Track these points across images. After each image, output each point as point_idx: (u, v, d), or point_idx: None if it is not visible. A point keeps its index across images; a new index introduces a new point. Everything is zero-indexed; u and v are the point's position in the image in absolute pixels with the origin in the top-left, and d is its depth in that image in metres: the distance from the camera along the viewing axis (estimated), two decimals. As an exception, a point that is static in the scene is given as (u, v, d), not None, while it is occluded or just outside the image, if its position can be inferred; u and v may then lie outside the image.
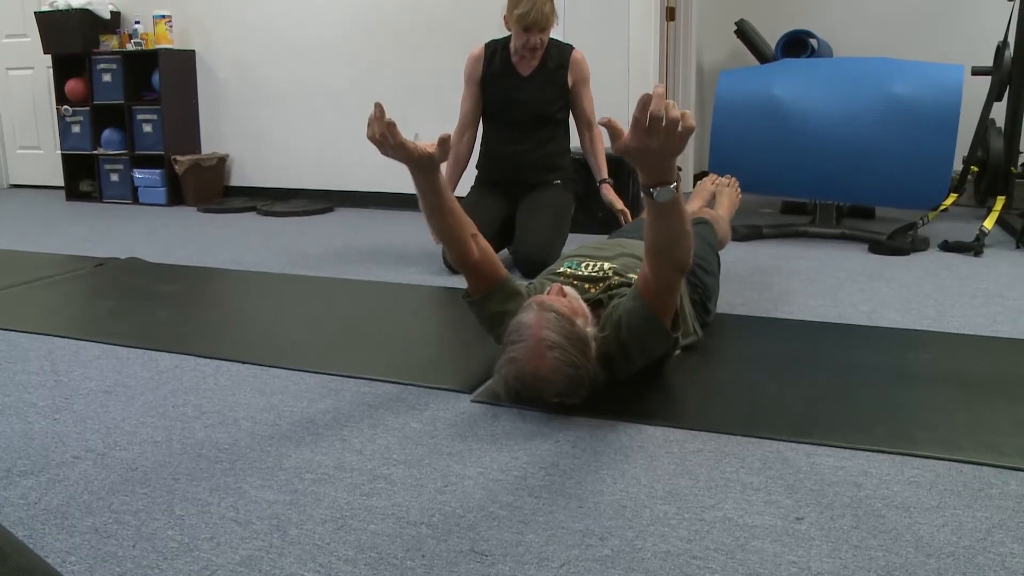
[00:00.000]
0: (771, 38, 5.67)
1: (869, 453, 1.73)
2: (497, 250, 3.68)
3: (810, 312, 2.84)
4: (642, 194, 1.73)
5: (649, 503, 1.53)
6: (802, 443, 1.79)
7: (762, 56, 5.46)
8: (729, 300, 2.96)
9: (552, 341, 1.86)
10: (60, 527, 1.48)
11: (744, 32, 5.48)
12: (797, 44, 5.50)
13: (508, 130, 3.71)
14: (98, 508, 1.54)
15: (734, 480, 1.62)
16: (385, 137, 1.92)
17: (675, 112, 1.56)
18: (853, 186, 3.99)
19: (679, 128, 1.58)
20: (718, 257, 2.79)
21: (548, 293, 2.02)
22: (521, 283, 2.24)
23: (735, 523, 1.46)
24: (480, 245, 2.13)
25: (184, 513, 1.52)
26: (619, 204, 3.67)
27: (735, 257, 3.70)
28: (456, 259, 2.12)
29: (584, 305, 2.04)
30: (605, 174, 3.78)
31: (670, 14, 5.87)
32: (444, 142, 1.93)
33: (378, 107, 1.92)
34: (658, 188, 1.69)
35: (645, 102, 1.56)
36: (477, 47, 3.77)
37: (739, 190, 3.48)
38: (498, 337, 2.05)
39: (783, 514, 1.49)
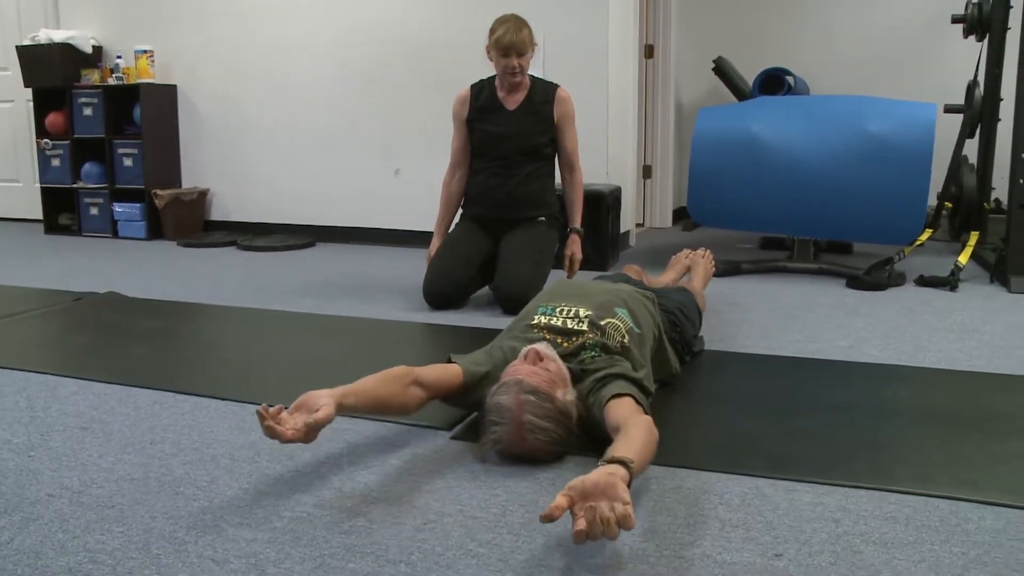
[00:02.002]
0: (748, 75, 5.75)
1: (847, 489, 1.74)
2: (479, 287, 3.70)
3: (789, 348, 2.86)
4: None
5: (628, 540, 1.53)
6: (781, 479, 1.79)
7: (740, 93, 5.53)
8: (708, 336, 2.97)
9: (533, 425, 1.84)
10: (33, 567, 1.46)
11: (722, 69, 5.56)
12: (774, 81, 5.58)
13: (495, 165, 3.71)
14: (73, 547, 1.53)
15: (712, 517, 1.63)
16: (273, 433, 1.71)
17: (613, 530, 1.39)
18: (830, 222, 4.03)
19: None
20: (700, 317, 2.82)
21: (525, 357, 1.98)
22: (482, 354, 2.17)
23: (714, 560, 1.46)
24: (420, 384, 1.99)
25: (161, 552, 1.50)
26: (575, 256, 3.75)
27: (714, 292, 3.72)
28: (411, 414, 2.01)
29: (563, 368, 2.01)
30: (578, 223, 3.80)
31: (648, 51, 5.94)
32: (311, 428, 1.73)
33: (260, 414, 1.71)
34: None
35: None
36: (464, 89, 3.80)
37: (713, 261, 3.46)
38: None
39: (762, 551, 1.49)
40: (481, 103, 3.72)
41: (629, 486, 1.47)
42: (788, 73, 5.57)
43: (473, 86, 3.79)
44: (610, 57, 4.78)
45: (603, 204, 4.34)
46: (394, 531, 1.57)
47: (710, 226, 4.49)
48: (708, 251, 3.50)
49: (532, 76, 3.73)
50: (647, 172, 6.09)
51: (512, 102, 3.68)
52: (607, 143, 4.84)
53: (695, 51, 6.31)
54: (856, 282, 3.86)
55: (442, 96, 5.19)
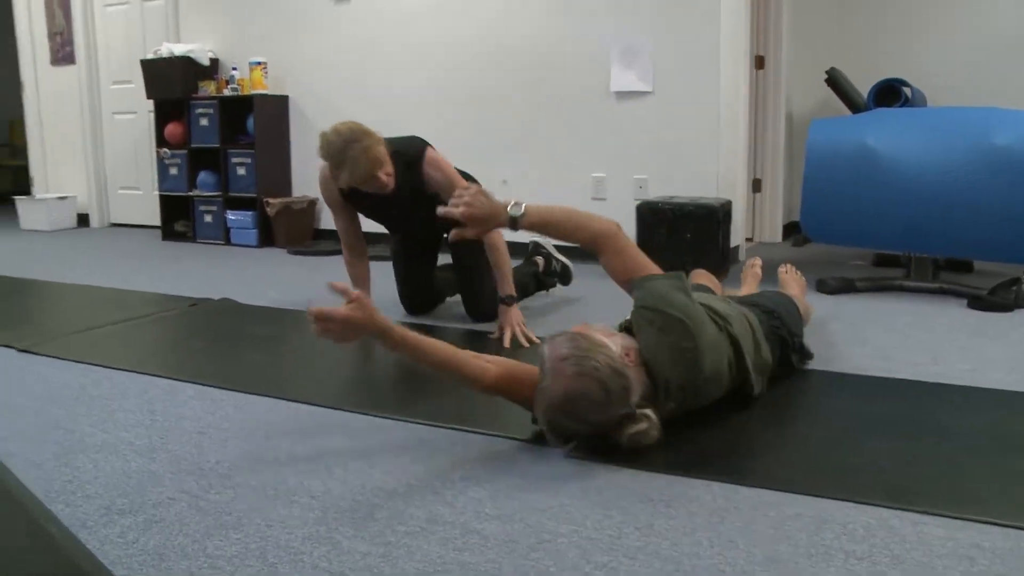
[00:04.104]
0: (863, 86, 5.58)
1: (981, 524, 1.65)
2: (440, 300, 3.73)
3: (908, 370, 2.74)
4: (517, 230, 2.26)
5: (748, 569, 1.48)
6: (907, 511, 1.71)
7: (853, 105, 5.38)
8: (823, 355, 2.88)
9: (564, 354, 1.93)
10: (157, 568, 1.49)
11: (835, 80, 5.41)
12: (890, 93, 5.40)
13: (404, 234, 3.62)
14: (193, 552, 1.56)
15: (836, 548, 1.56)
16: (325, 326, 1.96)
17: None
18: (952, 239, 3.87)
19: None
20: (800, 320, 2.76)
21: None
22: None
23: (840, 594, 1.40)
24: (493, 363, 2.12)
25: (277, 560, 1.52)
26: (509, 331, 3.18)
27: (827, 311, 3.61)
28: (476, 390, 2.11)
29: (606, 327, 2.11)
30: (510, 290, 3.25)
31: (759, 62, 5.83)
32: (356, 297, 1.99)
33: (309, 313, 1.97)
34: (508, 216, 2.22)
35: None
36: (323, 169, 3.34)
37: (799, 273, 3.46)
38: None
39: (890, 586, 1.43)
40: (354, 192, 3.34)
41: (514, 226, 2.23)
42: (905, 84, 5.39)
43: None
44: (721, 68, 4.70)
45: (714, 218, 4.26)
46: (508, 549, 1.56)
47: (823, 242, 4.36)
48: (789, 264, 3.45)
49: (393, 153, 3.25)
50: (757, 186, 5.97)
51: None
52: (717, 156, 4.76)
53: (807, 62, 6.16)
54: (980, 302, 3.70)
55: (545, 106, 5.20)
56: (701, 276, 3.24)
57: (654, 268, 2.23)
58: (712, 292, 2.88)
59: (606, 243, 2.24)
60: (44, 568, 1.00)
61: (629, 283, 2.22)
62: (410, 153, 3.29)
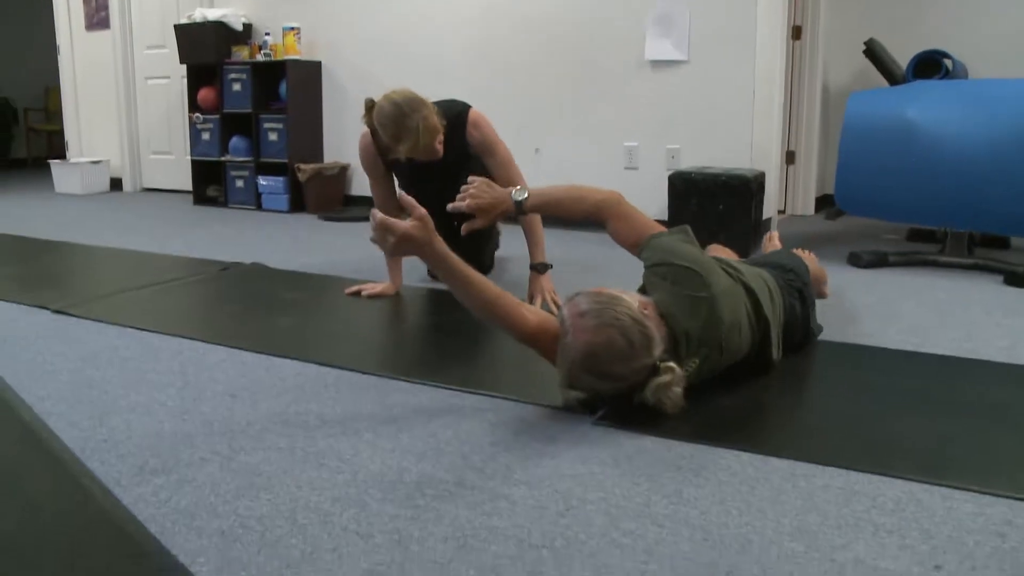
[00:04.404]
0: (902, 58, 5.48)
1: (1012, 501, 1.63)
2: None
3: (942, 346, 2.71)
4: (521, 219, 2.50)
5: (776, 539, 1.48)
6: (937, 485, 1.70)
7: (892, 77, 5.28)
8: (856, 330, 2.86)
9: (584, 309, 1.95)
10: (189, 527, 1.51)
11: (874, 52, 5.31)
12: (930, 64, 5.30)
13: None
14: (224, 511, 1.57)
15: (866, 520, 1.55)
16: (384, 236, 2.05)
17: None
18: (988, 214, 3.81)
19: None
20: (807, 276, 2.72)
21: None
22: None
23: (868, 566, 1.39)
24: (535, 314, 2.15)
25: (307, 522, 1.53)
26: (539, 298, 3.21)
27: (860, 285, 3.58)
28: (514, 336, 2.15)
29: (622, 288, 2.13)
30: (542, 258, 3.28)
31: (796, 32, 5.74)
32: (420, 216, 2.04)
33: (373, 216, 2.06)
34: (513, 200, 2.35)
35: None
36: (365, 136, 3.36)
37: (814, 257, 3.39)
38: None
39: (920, 560, 1.41)
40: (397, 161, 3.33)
41: (520, 210, 2.37)
42: (946, 55, 5.29)
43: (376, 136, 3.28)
44: (757, 39, 4.64)
45: (747, 190, 4.22)
46: (536, 515, 1.56)
47: (857, 215, 4.31)
48: (806, 251, 3.39)
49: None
50: (790, 158, 5.90)
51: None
52: (752, 127, 4.71)
53: (845, 33, 6.06)
54: (1017, 279, 3.64)
55: (576, 75, 5.16)
56: (717, 251, 3.23)
57: (660, 229, 2.26)
58: None
59: (609, 210, 2.30)
60: (82, 523, 1.01)
61: (637, 246, 2.26)
62: (453, 115, 3.30)
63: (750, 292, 2.24)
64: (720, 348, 2.11)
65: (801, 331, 2.56)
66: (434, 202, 3.54)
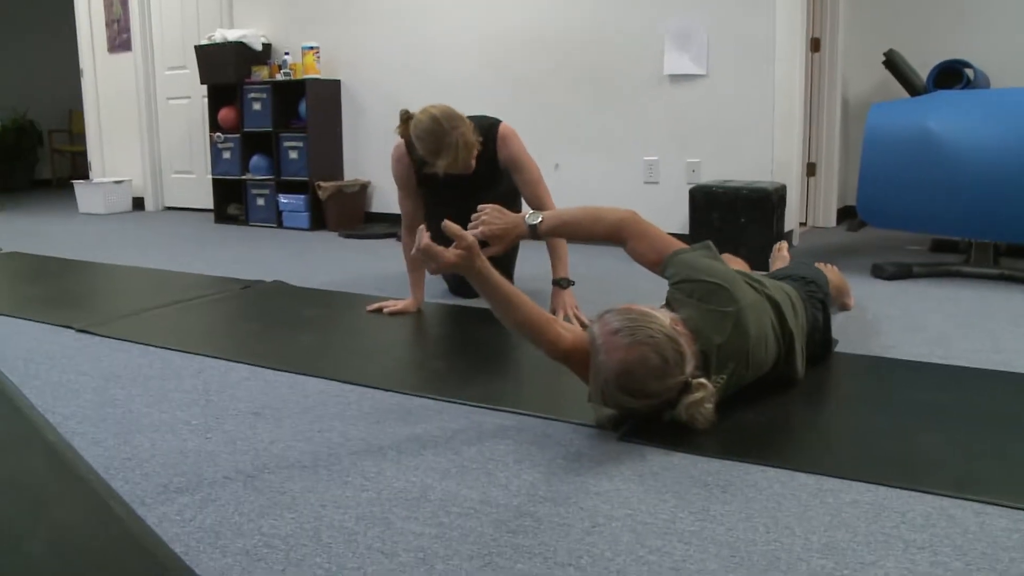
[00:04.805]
0: (922, 69, 5.45)
1: (1047, 516, 1.61)
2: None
3: (968, 358, 2.68)
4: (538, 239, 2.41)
5: (805, 556, 1.46)
6: (968, 500, 1.67)
7: (912, 88, 5.26)
8: (880, 342, 2.83)
9: (617, 327, 1.94)
10: (214, 547, 1.51)
11: (894, 62, 5.29)
12: (951, 74, 5.28)
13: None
14: (248, 530, 1.57)
15: (895, 536, 1.53)
16: (428, 262, 2.06)
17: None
18: (1013, 224, 3.77)
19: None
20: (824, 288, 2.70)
21: None
22: None
23: (901, 584, 1.37)
24: (568, 330, 2.14)
25: (331, 540, 1.53)
26: (561, 313, 3.23)
27: (884, 296, 3.55)
28: (548, 353, 2.13)
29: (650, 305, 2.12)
30: (564, 274, 3.32)
31: (815, 45, 5.72)
32: (467, 245, 2.03)
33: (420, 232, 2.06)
34: (528, 226, 2.34)
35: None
36: (399, 148, 3.37)
37: (835, 269, 3.39)
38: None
39: (953, 577, 1.39)
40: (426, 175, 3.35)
41: (534, 235, 2.35)
42: (967, 65, 5.26)
43: (410, 148, 3.31)
44: (776, 51, 4.63)
45: (768, 203, 4.20)
46: (562, 532, 1.55)
47: (880, 226, 4.28)
48: (831, 266, 3.38)
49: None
50: (811, 170, 5.87)
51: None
52: (772, 139, 4.70)
53: (864, 44, 6.04)
54: (1043, 289, 3.60)
55: (595, 91, 5.16)
56: (733, 262, 3.21)
57: (680, 245, 2.25)
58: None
59: (628, 229, 2.28)
60: (107, 542, 1.01)
61: (658, 264, 2.24)
62: (484, 130, 3.31)
63: (775, 305, 2.23)
64: (747, 362, 2.10)
65: (822, 342, 2.55)
66: (461, 215, 3.56)
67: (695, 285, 2.10)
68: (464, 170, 3.16)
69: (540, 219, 2.34)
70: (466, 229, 3.41)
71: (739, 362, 2.08)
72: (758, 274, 2.45)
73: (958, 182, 3.78)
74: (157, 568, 0.98)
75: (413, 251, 2.08)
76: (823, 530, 1.55)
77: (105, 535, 1.03)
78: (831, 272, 3.27)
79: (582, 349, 2.07)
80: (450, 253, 2.01)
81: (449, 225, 2.03)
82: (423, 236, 2.03)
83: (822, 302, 2.53)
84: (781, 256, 3.52)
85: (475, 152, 3.15)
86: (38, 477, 1.08)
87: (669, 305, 2.15)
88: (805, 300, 2.46)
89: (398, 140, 3.33)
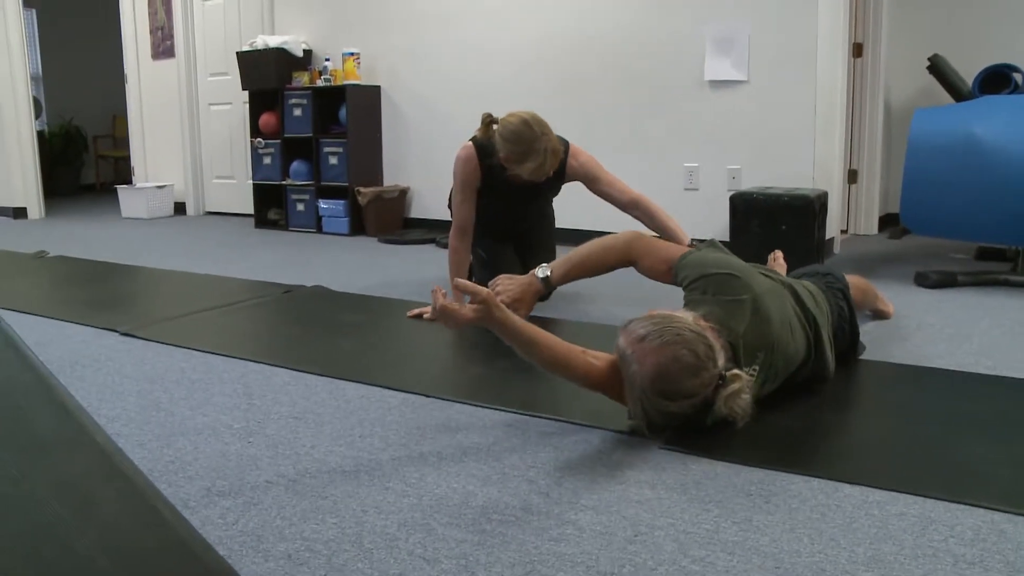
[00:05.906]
0: (967, 74, 5.38)
1: (1101, 531, 1.57)
2: None
3: (1017, 369, 2.63)
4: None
5: (851, 569, 1.44)
6: (1020, 515, 1.64)
7: (957, 93, 5.18)
8: (925, 352, 2.79)
9: (643, 333, 1.94)
10: (256, 550, 1.52)
11: (938, 67, 5.22)
12: (998, 79, 5.19)
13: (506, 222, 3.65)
14: (291, 534, 1.58)
15: (944, 551, 1.50)
16: (449, 317, 2.03)
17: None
18: (1062, 233, 3.71)
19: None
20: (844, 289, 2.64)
21: None
22: None
23: (950, 599, 1.35)
24: (597, 358, 2.10)
25: (373, 546, 1.53)
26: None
27: (928, 305, 3.50)
28: (583, 385, 2.11)
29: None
30: (685, 239, 3.30)
31: (857, 50, 5.67)
32: (484, 299, 2.01)
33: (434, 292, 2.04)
34: (539, 279, 2.59)
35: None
36: (468, 149, 3.37)
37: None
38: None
39: (1004, 592, 1.37)
40: (493, 179, 3.39)
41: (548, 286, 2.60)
42: (1015, 69, 5.18)
43: (479, 150, 3.37)
44: (818, 57, 4.59)
45: (809, 210, 4.16)
46: (604, 541, 1.54)
47: (924, 234, 4.22)
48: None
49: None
50: (852, 177, 5.81)
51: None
52: (813, 146, 4.65)
53: (907, 49, 5.97)
54: (1092, 299, 3.53)
55: (636, 97, 5.14)
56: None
57: (686, 249, 2.30)
58: None
59: (634, 249, 2.36)
60: (156, 545, 1.02)
61: (670, 273, 2.28)
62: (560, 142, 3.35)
63: (792, 292, 2.24)
64: (774, 349, 2.09)
65: (850, 335, 2.54)
66: (509, 218, 3.63)
67: (707, 281, 2.13)
68: (543, 177, 3.20)
69: (550, 270, 2.45)
70: (511, 233, 3.43)
71: (767, 350, 2.08)
72: (772, 271, 2.45)
73: (1005, 189, 3.72)
74: (202, 571, 0.99)
75: (427, 316, 2.11)
76: (869, 543, 1.53)
77: (152, 537, 1.04)
78: (850, 277, 3.25)
79: (615, 370, 2.06)
80: (468, 309, 2.00)
81: (461, 283, 2.03)
82: (438, 298, 2.00)
83: (843, 292, 2.53)
84: (779, 264, 3.47)
85: (558, 160, 3.18)
86: (88, 478, 1.09)
87: (688, 308, 2.15)
88: (825, 290, 2.47)
89: (466, 142, 3.36)
